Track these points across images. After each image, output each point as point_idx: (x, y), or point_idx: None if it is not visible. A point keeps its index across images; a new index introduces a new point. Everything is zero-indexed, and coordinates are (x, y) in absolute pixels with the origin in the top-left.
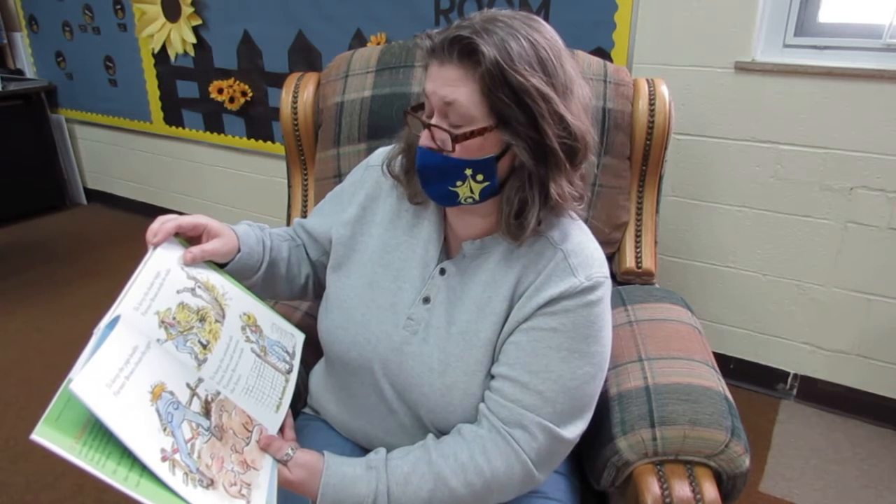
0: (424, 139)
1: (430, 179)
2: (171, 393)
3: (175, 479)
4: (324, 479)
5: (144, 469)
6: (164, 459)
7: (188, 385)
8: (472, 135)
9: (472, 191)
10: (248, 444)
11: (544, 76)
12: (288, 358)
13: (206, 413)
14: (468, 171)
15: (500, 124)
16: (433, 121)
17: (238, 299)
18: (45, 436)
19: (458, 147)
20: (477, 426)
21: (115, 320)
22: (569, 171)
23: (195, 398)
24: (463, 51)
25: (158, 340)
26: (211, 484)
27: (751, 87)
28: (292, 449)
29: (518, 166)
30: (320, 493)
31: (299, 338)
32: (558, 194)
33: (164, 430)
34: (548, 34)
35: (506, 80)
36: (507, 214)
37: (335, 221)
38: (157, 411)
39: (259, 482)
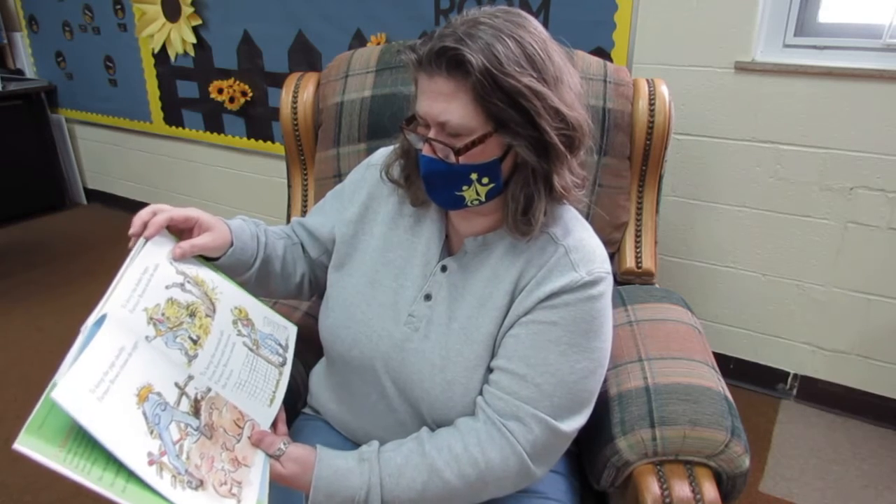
0: (426, 150)
1: (435, 186)
2: (159, 394)
3: (162, 483)
4: (316, 473)
5: (131, 474)
6: (150, 463)
7: (177, 384)
8: (472, 144)
9: (478, 193)
10: (239, 441)
11: (535, 73)
12: (281, 351)
13: (196, 412)
14: (473, 176)
15: (498, 128)
16: (431, 134)
17: (229, 293)
18: (28, 445)
19: (461, 158)
20: (473, 419)
21: (102, 319)
22: (570, 161)
23: (184, 397)
24: (451, 62)
25: (147, 338)
26: (200, 485)
27: (751, 87)
28: (284, 443)
29: (521, 163)
30: (313, 486)
31: (292, 330)
32: (562, 186)
33: (151, 432)
34: (532, 27)
35: (498, 85)
36: (513, 212)
37: (337, 220)
38: (144, 414)
39: (250, 479)
